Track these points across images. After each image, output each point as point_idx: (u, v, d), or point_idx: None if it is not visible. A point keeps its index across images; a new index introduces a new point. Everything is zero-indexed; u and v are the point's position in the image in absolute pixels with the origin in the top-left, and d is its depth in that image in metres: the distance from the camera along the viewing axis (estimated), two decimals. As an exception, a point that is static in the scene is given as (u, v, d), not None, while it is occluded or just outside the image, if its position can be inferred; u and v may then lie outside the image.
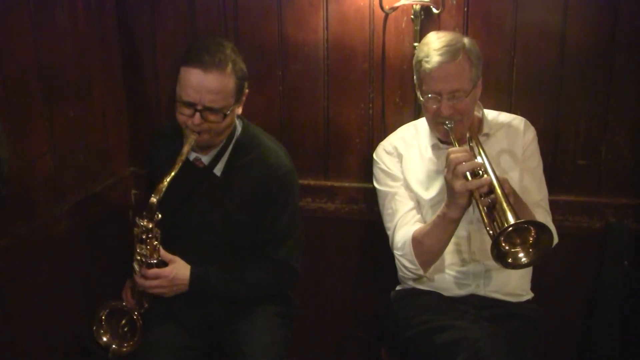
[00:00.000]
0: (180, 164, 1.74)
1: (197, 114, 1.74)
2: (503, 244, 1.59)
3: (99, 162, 2.23)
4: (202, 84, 1.73)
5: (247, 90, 1.87)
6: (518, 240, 1.61)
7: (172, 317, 1.90)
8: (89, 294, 2.15)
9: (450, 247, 1.90)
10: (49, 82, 1.92)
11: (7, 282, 1.76)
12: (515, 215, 1.55)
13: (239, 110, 1.88)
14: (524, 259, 1.60)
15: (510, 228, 1.54)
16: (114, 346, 1.82)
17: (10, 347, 1.80)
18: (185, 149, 1.76)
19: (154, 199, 1.71)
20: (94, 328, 1.82)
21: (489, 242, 1.69)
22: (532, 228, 1.58)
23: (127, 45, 2.36)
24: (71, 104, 2.04)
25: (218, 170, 1.90)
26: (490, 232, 1.59)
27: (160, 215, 1.76)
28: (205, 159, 1.90)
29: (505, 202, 1.58)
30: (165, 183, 1.71)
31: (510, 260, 1.60)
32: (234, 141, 1.91)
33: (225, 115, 1.77)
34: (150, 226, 1.75)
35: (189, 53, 1.77)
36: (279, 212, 1.90)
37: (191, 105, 1.74)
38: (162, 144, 2.01)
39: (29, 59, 1.84)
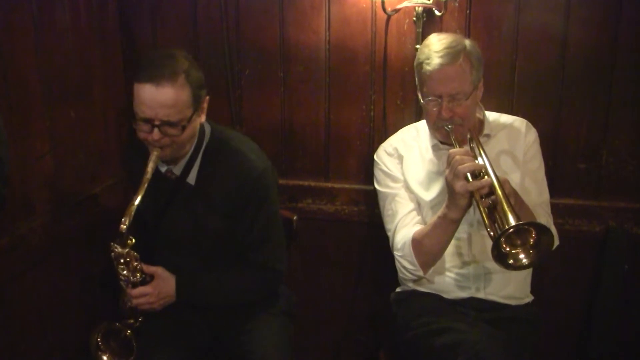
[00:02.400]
0: (146, 183, 1.70)
1: (156, 130, 1.69)
2: (504, 245, 1.59)
3: (99, 162, 2.23)
4: (154, 99, 1.66)
5: (207, 97, 1.81)
6: (519, 242, 1.60)
7: (173, 319, 1.89)
8: (88, 295, 2.15)
9: (451, 249, 1.90)
10: (50, 82, 1.92)
11: (6, 282, 1.76)
12: (516, 217, 1.55)
13: (202, 118, 1.82)
14: (524, 260, 1.60)
15: (511, 230, 1.53)
16: None
17: (10, 347, 1.80)
18: (150, 167, 1.72)
19: (123, 226, 1.68)
20: (93, 352, 1.80)
21: (489, 244, 1.69)
22: (532, 229, 1.58)
23: (128, 46, 2.36)
24: (72, 104, 2.04)
25: (191, 179, 1.86)
26: (491, 233, 1.59)
27: (134, 240, 1.74)
28: (177, 170, 1.86)
29: (506, 204, 1.58)
30: (134, 205, 1.68)
31: (511, 261, 1.60)
32: (203, 148, 1.86)
33: (184, 127, 1.73)
34: (126, 251, 1.73)
35: (140, 68, 1.72)
36: (255, 215, 1.86)
37: (148, 121, 1.69)
38: (137, 154, 1.92)
39: (30, 59, 1.84)
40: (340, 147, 2.32)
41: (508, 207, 1.57)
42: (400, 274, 1.98)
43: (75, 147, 2.08)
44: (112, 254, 1.74)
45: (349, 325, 2.49)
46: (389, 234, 1.98)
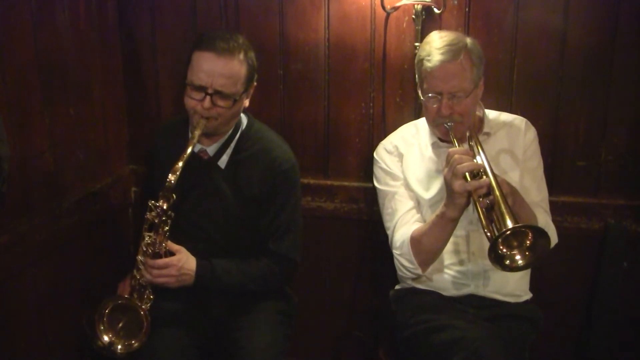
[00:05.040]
0: (192, 145, 1.76)
1: (207, 98, 1.76)
2: (501, 247, 1.59)
3: (99, 160, 2.23)
4: (214, 68, 1.76)
5: (255, 83, 1.89)
6: (515, 243, 1.61)
7: (174, 316, 1.90)
8: (88, 292, 2.15)
9: (449, 247, 1.91)
10: (50, 80, 1.92)
11: (6, 280, 1.76)
12: (514, 219, 1.55)
13: (246, 103, 1.90)
14: (520, 262, 1.61)
15: (509, 232, 1.54)
16: (119, 346, 1.78)
17: (10, 346, 1.80)
18: (197, 132, 1.78)
19: (171, 178, 1.72)
20: (97, 325, 1.78)
21: (487, 242, 1.69)
22: (529, 232, 1.59)
23: (128, 44, 2.35)
24: (71, 102, 2.04)
25: (222, 162, 1.91)
26: (488, 234, 1.60)
27: (175, 196, 1.76)
28: (211, 150, 1.92)
29: (504, 205, 1.59)
30: (180, 164, 1.73)
31: (507, 262, 1.61)
32: (239, 133, 1.93)
33: (234, 101, 1.79)
34: (165, 207, 1.75)
35: (203, 39, 1.81)
36: (282, 206, 1.92)
37: (202, 89, 1.77)
38: (162, 142, 2.03)
39: (30, 57, 1.84)
40: (340, 145, 2.32)
41: (505, 208, 1.58)
42: (399, 272, 1.98)
43: (75, 145, 2.08)
44: (149, 213, 1.76)
45: (348, 322, 2.49)
46: (388, 232, 1.98)
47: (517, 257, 1.61)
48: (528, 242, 1.59)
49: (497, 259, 1.59)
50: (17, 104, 1.78)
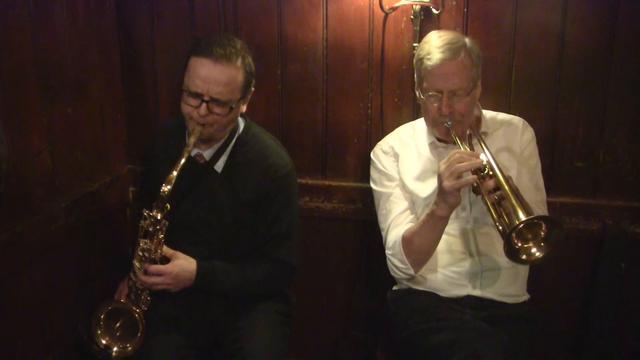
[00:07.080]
0: (187, 154, 1.75)
1: (204, 105, 1.74)
2: (515, 241, 1.59)
3: (97, 159, 2.23)
4: (210, 75, 1.73)
5: (252, 89, 1.88)
6: (530, 236, 1.61)
7: (172, 317, 1.90)
8: (85, 292, 2.15)
9: (446, 247, 1.91)
10: (47, 79, 1.92)
11: (3, 279, 1.76)
12: (526, 211, 1.55)
13: (244, 108, 1.88)
14: (538, 254, 1.61)
15: (522, 225, 1.54)
16: (115, 348, 1.78)
17: (7, 345, 1.80)
18: (192, 140, 1.76)
19: (164, 189, 1.70)
20: (94, 329, 1.78)
21: (485, 241, 1.68)
22: (542, 223, 1.58)
23: (126, 44, 2.35)
24: (69, 101, 2.04)
25: (219, 166, 1.90)
26: (500, 228, 1.60)
27: (169, 206, 1.75)
28: (207, 154, 1.90)
29: (515, 198, 1.59)
30: (175, 174, 1.71)
31: (524, 257, 1.61)
32: (235, 138, 1.91)
33: (231, 109, 1.78)
34: (159, 217, 1.74)
35: (200, 44, 1.78)
36: (280, 212, 1.91)
37: (198, 95, 1.75)
38: (159, 142, 2.02)
39: (28, 56, 1.83)
40: (338, 145, 2.32)
41: (516, 201, 1.58)
42: (392, 273, 1.98)
43: (73, 144, 2.08)
44: (143, 221, 1.75)
45: (346, 323, 2.49)
46: (383, 233, 1.99)
47: (533, 249, 1.61)
48: (542, 233, 1.59)
49: (512, 254, 1.59)
50: (15, 104, 1.78)
